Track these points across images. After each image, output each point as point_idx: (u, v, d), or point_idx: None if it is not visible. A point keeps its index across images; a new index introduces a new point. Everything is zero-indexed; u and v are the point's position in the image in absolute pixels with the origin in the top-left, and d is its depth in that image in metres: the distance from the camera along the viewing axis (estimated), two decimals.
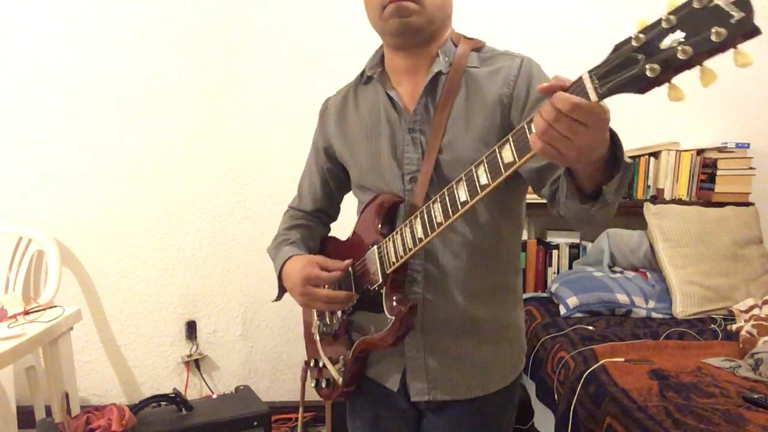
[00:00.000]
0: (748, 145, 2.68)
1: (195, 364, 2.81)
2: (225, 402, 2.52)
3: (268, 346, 2.86)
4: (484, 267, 1.13)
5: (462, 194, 0.91)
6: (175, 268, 2.77)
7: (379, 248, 1.09)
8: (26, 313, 2.14)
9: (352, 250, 1.18)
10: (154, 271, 2.76)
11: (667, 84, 0.63)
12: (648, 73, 0.62)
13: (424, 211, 0.98)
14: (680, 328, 2.20)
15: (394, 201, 1.13)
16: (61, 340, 2.25)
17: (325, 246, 1.37)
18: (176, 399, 2.42)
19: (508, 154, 0.82)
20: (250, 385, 2.76)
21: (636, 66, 0.63)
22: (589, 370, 1.81)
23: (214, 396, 2.69)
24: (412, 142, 1.11)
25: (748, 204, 2.63)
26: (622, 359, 1.87)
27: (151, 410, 2.42)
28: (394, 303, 1.06)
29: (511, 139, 0.82)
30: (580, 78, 0.69)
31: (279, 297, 1.28)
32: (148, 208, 2.72)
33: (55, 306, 2.24)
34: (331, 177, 1.33)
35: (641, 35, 0.63)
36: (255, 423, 2.34)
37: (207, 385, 2.83)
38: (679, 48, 0.59)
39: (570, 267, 2.73)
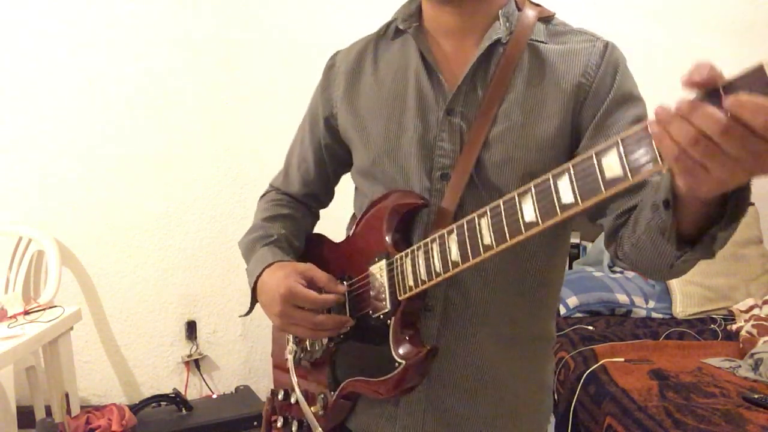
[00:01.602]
0: None
1: (195, 364, 2.81)
2: (225, 402, 2.52)
3: (268, 346, 2.83)
4: (524, 305, 0.88)
5: (528, 212, 0.65)
6: (175, 268, 2.76)
7: (390, 265, 0.83)
8: (26, 313, 2.14)
9: (350, 260, 0.92)
10: (154, 271, 2.75)
11: None
12: None
13: (466, 226, 0.72)
14: (680, 328, 2.20)
15: (416, 204, 0.84)
16: (61, 340, 2.25)
17: (313, 247, 1.06)
18: (176, 399, 2.42)
19: (613, 166, 0.56)
20: (250, 385, 2.76)
21: None
22: (589, 370, 1.81)
23: (214, 396, 2.69)
24: (449, 128, 0.85)
25: None
26: (622, 359, 1.87)
27: (151, 410, 2.42)
28: (408, 345, 0.79)
29: (621, 144, 0.56)
30: (761, 68, 0.46)
31: (249, 311, 1.02)
32: (148, 208, 2.71)
33: (55, 306, 2.24)
34: (329, 155, 1.03)
35: None
36: (255, 423, 2.34)
37: (207, 385, 2.83)
38: None
39: (570, 267, 2.73)
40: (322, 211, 1.17)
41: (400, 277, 0.81)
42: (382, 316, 0.83)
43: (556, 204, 0.62)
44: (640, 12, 2.71)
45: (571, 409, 1.76)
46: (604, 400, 1.66)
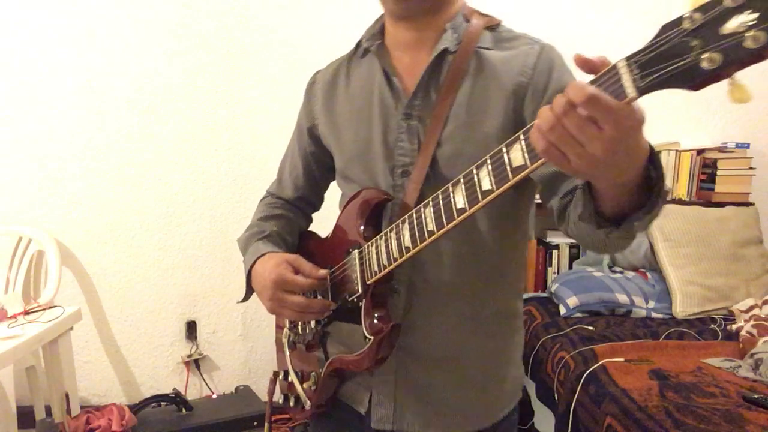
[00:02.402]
0: (748, 145, 2.68)
1: (195, 364, 2.81)
2: (225, 402, 2.53)
3: (268, 346, 2.86)
4: (482, 287, 0.98)
5: (459, 200, 0.76)
6: (175, 268, 2.77)
7: (360, 253, 0.95)
8: (26, 313, 2.14)
9: (332, 251, 1.04)
10: (154, 271, 2.76)
11: (727, 80, 0.50)
12: (704, 65, 0.49)
13: (414, 215, 0.84)
14: (680, 328, 2.20)
15: (380, 198, 0.96)
16: (61, 340, 2.25)
17: (304, 242, 1.20)
18: (176, 399, 2.42)
19: (517, 155, 0.67)
20: (250, 385, 2.77)
21: (689, 55, 0.50)
22: (589, 370, 1.81)
23: (214, 396, 2.69)
24: (407, 130, 0.96)
25: (748, 204, 2.63)
26: (622, 359, 1.87)
27: (151, 410, 2.42)
28: (375, 321, 0.92)
29: (522, 138, 0.67)
30: (615, 66, 0.55)
31: (246, 298, 1.12)
32: (148, 208, 2.72)
33: (55, 306, 2.24)
34: (316, 162, 1.17)
35: (696, 15, 0.50)
36: (255, 423, 2.34)
37: (207, 385, 2.83)
38: (749, 35, 0.46)
39: (570, 267, 2.73)
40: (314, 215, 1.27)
41: (367, 263, 0.93)
42: (356, 299, 0.95)
43: (478, 191, 0.74)
44: (637, 12, 2.71)
45: (571, 409, 1.76)
46: (604, 400, 1.66)
